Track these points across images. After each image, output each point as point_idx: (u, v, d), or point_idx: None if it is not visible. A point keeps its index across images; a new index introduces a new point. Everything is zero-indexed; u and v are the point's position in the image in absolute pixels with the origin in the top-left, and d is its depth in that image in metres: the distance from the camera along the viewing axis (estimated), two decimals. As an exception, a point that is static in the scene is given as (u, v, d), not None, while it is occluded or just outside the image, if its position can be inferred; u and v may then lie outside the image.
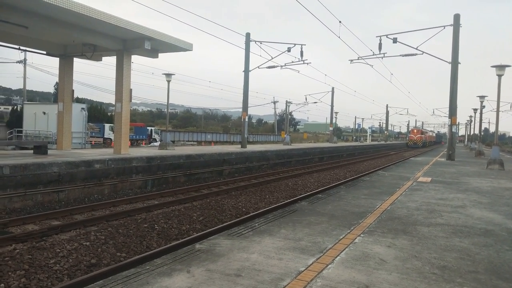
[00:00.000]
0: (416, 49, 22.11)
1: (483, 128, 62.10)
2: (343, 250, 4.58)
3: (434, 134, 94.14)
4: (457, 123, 23.49)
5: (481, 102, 29.92)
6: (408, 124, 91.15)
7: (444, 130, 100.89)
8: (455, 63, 21.70)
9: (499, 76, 17.84)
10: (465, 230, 5.76)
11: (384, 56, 23.34)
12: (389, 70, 39.78)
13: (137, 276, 3.68)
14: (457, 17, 21.46)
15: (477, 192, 9.78)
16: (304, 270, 3.91)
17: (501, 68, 17.71)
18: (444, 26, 21.23)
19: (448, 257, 4.45)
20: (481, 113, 35.01)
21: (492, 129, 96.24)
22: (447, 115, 23.75)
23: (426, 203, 7.95)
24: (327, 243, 4.86)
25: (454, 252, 4.64)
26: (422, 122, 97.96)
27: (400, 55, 24.14)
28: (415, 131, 68.41)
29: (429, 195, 9.05)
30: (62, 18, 12.21)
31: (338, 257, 4.35)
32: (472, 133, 64.38)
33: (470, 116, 59.35)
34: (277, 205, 10.83)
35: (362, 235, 5.31)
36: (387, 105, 74.18)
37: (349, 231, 5.51)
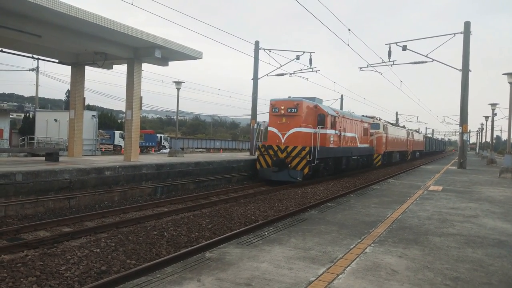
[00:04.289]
0: (426, 56, 22.00)
1: (494, 136, 61.35)
2: (353, 260, 4.55)
3: (420, 138, 52.25)
4: (468, 131, 23.25)
5: (493, 109, 29.63)
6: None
7: (455, 137, 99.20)
8: (465, 70, 21.54)
9: (511, 84, 17.66)
10: (478, 241, 5.68)
11: (393, 64, 23.25)
12: (398, 78, 39.54)
13: (148, 284, 3.69)
14: (467, 25, 21.33)
15: (489, 202, 9.64)
16: (315, 280, 3.89)
17: (512, 75, 17.54)
18: (455, 34, 21.11)
19: (461, 268, 4.38)
20: (492, 121, 34.68)
21: (504, 136, 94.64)
22: (458, 123, 23.52)
23: (438, 213, 7.86)
24: (338, 253, 4.83)
25: (467, 263, 4.58)
26: (433, 130, 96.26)
27: (409, 63, 24.00)
28: (282, 107, 17.65)
29: (440, 204, 8.94)
30: (75, 27, 12.43)
31: (349, 267, 4.31)
32: (483, 141, 63.65)
33: (482, 124, 56.97)
34: (286, 213, 10.78)
35: (372, 244, 5.27)
36: (396, 112, 73.69)
37: (359, 240, 5.47)
